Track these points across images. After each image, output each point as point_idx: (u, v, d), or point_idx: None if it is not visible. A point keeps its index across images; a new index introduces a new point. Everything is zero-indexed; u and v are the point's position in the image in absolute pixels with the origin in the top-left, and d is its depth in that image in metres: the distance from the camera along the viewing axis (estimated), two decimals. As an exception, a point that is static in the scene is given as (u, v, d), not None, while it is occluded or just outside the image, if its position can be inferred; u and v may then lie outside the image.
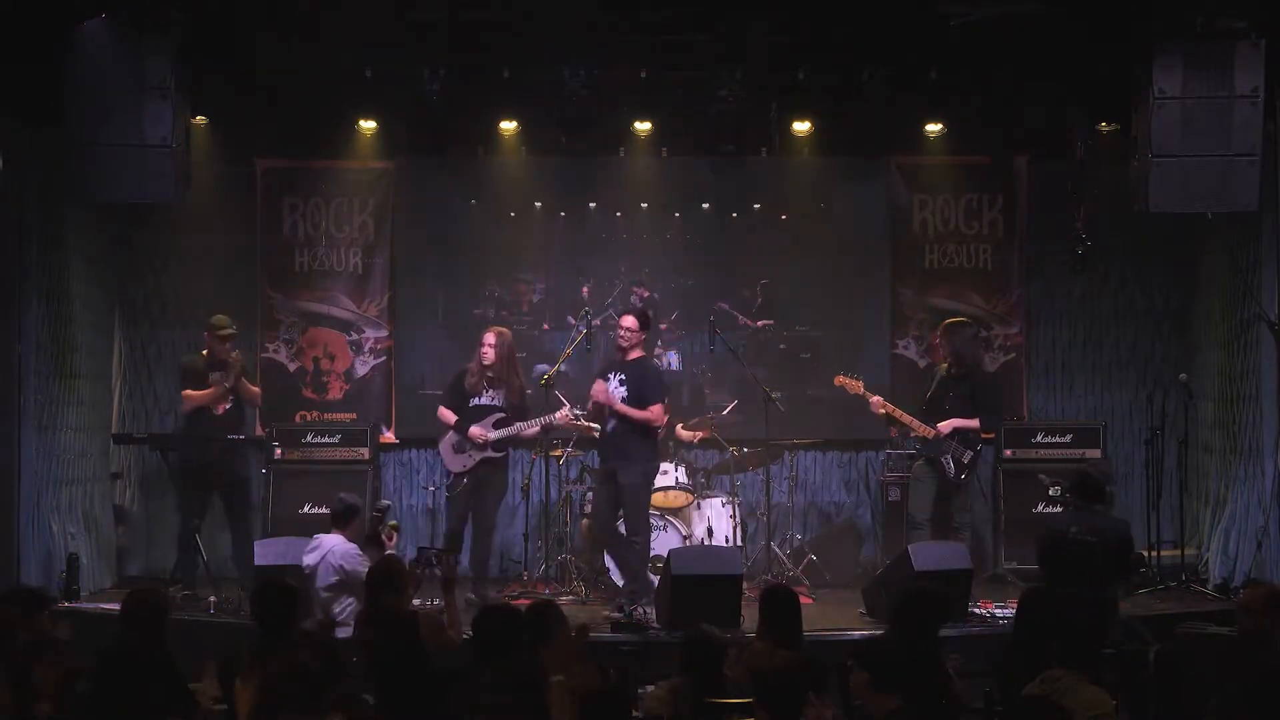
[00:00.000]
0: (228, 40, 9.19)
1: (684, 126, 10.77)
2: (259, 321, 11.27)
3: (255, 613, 6.12)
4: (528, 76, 9.84)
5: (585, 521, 10.02)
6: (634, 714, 5.67)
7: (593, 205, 11.39)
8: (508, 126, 10.74)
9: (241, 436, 10.08)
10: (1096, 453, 10.82)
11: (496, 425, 9.62)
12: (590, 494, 10.29)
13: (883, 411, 9.90)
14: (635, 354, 9.45)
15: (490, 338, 9.73)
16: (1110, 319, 11.33)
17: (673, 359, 11.39)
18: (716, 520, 10.04)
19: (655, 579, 9.18)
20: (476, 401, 9.70)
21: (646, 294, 11.29)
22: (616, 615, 8.72)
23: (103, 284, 10.64)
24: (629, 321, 9.43)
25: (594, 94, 9.93)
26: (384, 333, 11.41)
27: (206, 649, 6.35)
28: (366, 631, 6.42)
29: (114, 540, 10.49)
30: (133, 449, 10.72)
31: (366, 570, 7.30)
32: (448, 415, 9.76)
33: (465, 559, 9.89)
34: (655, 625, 8.60)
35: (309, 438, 10.94)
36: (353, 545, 7.95)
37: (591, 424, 9.69)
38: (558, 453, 10.15)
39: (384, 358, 11.40)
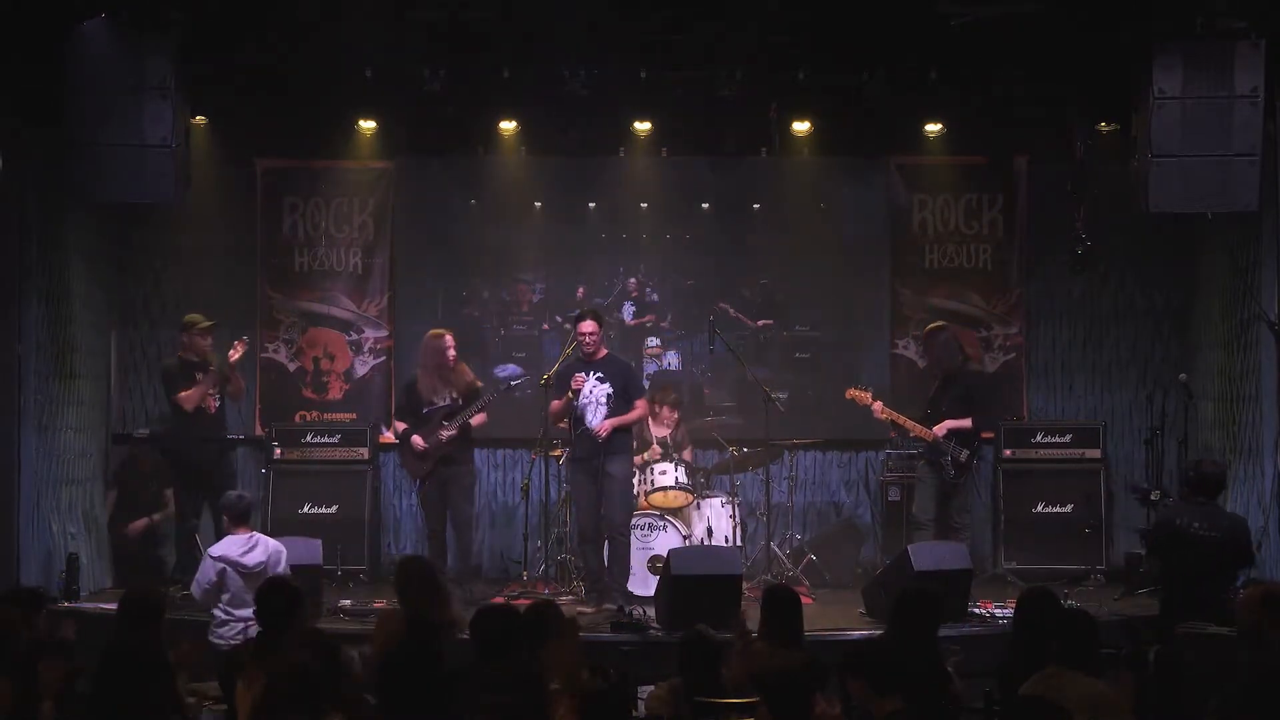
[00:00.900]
0: (228, 40, 9.18)
1: (684, 126, 10.77)
2: (259, 321, 11.27)
3: (257, 613, 6.12)
4: (528, 76, 9.84)
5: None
6: (634, 714, 5.68)
7: (593, 205, 11.39)
8: (508, 126, 10.74)
9: (241, 436, 10.06)
10: (1096, 453, 10.83)
11: (448, 418, 9.68)
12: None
13: (884, 417, 9.91)
14: (602, 351, 9.58)
15: (449, 339, 9.85)
16: (1110, 319, 11.33)
17: (673, 359, 11.39)
18: (716, 520, 10.04)
19: (654, 578, 9.20)
20: (430, 409, 9.77)
21: (634, 282, 11.30)
22: (610, 607, 8.72)
23: (102, 284, 10.64)
24: (589, 326, 9.49)
25: (594, 94, 9.93)
26: (384, 333, 11.42)
27: (206, 649, 6.36)
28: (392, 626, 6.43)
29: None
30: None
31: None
32: (399, 428, 9.93)
33: (451, 559, 9.95)
34: (655, 625, 8.59)
35: (309, 438, 10.95)
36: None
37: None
38: (557, 453, 10.14)
39: (384, 358, 11.40)
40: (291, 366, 11.34)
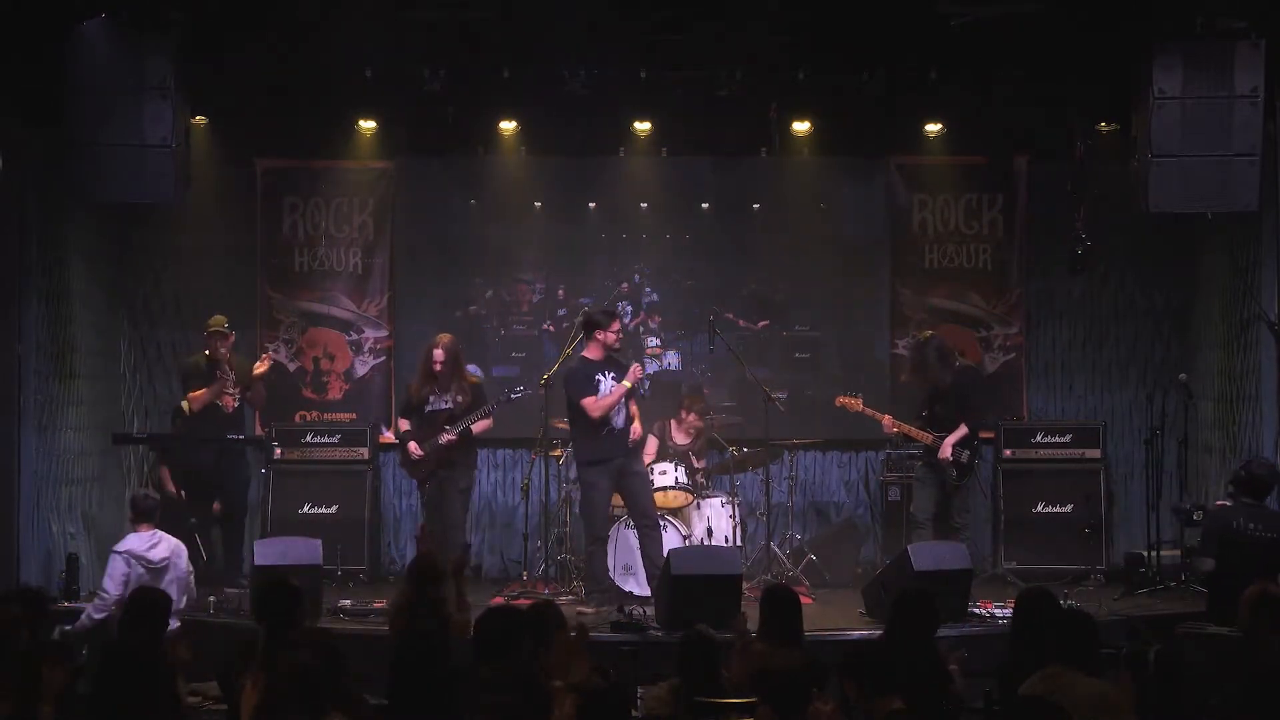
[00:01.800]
0: (228, 40, 9.18)
1: (684, 126, 10.77)
2: (259, 321, 11.27)
3: (260, 612, 6.11)
4: (528, 76, 9.84)
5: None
6: (634, 714, 5.68)
7: (593, 205, 11.39)
8: (508, 126, 10.74)
9: (241, 436, 10.05)
10: (1096, 453, 10.82)
11: (450, 421, 9.70)
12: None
13: (895, 430, 9.94)
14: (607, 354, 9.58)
15: (438, 352, 9.81)
16: (1110, 319, 11.33)
17: (673, 359, 11.39)
18: (716, 520, 10.04)
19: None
20: (432, 409, 9.79)
21: (626, 287, 11.30)
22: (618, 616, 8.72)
23: (103, 284, 10.64)
24: (617, 325, 9.52)
25: (594, 94, 9.93)
26: (384, 333, 11.42)
27: (206, 649, 6.36)
28: (406, 623, 6.45)
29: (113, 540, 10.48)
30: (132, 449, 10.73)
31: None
32: (401, 426, 9.95)
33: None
34: (655, 625, 8.59)
35: (309, 438, 10.95)
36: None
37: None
38: (557, 453, 10.15)
39: (384, 358, 11.40)
40: (291, 366, 11.33)
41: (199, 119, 9.77)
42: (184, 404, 10.02)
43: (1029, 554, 10.61)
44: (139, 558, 8.08)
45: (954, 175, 11.31)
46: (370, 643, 7.15)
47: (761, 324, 11.34)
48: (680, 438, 10.51)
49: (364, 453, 10.93)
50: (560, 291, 11.39)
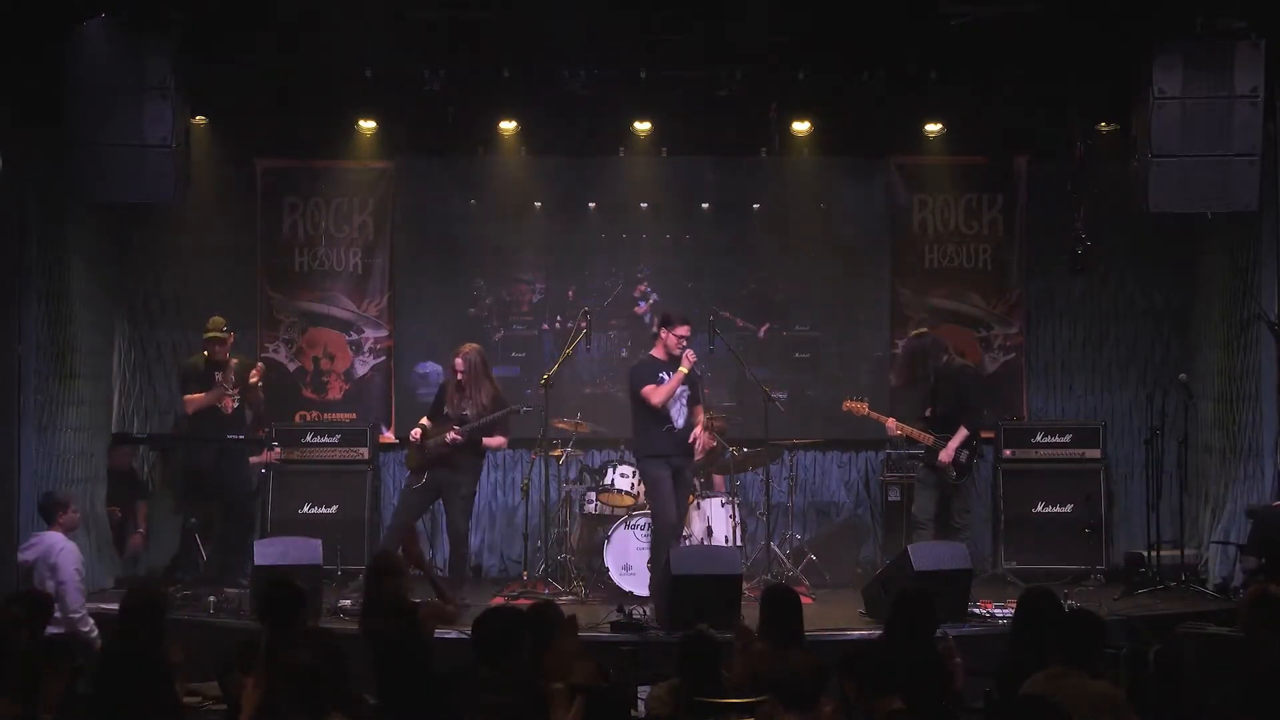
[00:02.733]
0: (228, 40, 9.18)
1: (684, 126, 10.77)
2: (259, 321, 11.27)
3: (263, 612, 6.10)
4: (528, 76, 9.84)
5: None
6: (634, 714, 5.68)
7: (593, 205, 11.39)
8: (508, 126, 10.75)
9: (241, 436, 10.05)
10: (1096, 453, 10.84)
11: (461, 423, 9.60)
12: (590, 494, 10.30)
13: (899, 433, 9.94)
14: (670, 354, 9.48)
15: (459, 362, 9.70)
16: (1110, 319, 11.33)
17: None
18: (716, 520, 10.04)
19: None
20: (453, 412, 9.73)
21: (645, 287, 11.29)
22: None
23: (103, 284, 10.63)
24: (686, 330, 9.42)
25: (594, 94, 9.94)
26: (384, 333, 11.42)
27: (206, 649, 6.36)
28: (370, 621, 6.45)
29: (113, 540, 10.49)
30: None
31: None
32: (424, 423, 9.84)
33: (443, 567, 9.99)
34: (655, 625, 8.60)
35: (309, 438, 10.96)
36: (72, 544, 8.27)
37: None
38: (557, 453, 10.15)
39: (384, 358, 11.40)
40: (291, 366, 11.34)
41: (199, 119, 9.77)
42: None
43: (1029, 554, 10.62)
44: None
45: (954, 175, 11.32)
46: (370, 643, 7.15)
47: (763, 326, 11.33)
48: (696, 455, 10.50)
49: (364, 453, 10.93)
50: (561, 292, 11.39)
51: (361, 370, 11.41)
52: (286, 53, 9.31)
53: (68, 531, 8.31)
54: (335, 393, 11.37)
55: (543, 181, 11.28)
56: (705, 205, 11.39)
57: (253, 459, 10.30)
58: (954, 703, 5.61)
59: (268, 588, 6.25)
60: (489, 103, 10.40)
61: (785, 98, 10.36)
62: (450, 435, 9.57)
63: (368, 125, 10.71)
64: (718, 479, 10.57)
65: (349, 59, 9.50)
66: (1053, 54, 9.37)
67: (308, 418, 11.26)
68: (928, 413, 9.94)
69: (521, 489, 10.35)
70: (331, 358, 11.39)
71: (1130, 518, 10.88)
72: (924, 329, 10.49)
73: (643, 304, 11.39)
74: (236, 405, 9.97)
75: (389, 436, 11.05)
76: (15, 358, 9.23)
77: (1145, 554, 10.03)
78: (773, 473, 10.64)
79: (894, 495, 10.78)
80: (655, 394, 9.32)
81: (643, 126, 10.71)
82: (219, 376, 9.87)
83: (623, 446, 11.00)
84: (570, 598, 9.49)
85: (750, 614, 6.67)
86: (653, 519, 9.51)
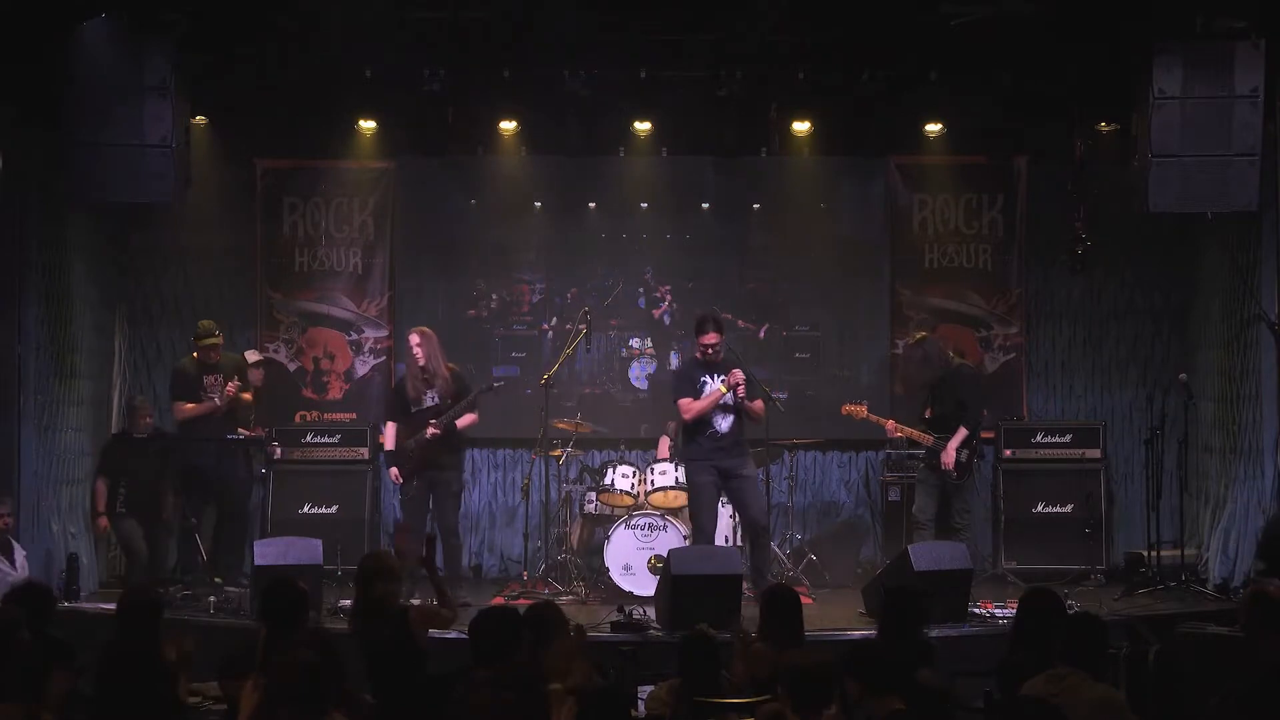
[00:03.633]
0: (228, 40, 9.19)
1: (684, 126, 10.77)
2: (259, 321, 11.27)
3: (266, 613, 6.09)
4: (528, 76, 9.85)
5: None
6: (634, 714, 5.68)
7: (593, 205, 11.39)
8: (508, 126, 10.74)
9: (240, 435, 10.04)
10: (1096, 453, 10.83)
11: (435, 417, 9.60)
12: (590, 494, 10.30)
13: (899, 434, 9.94)
14: (722, 356, 9.37)
15: (415, 338, 9.71)
16: (1110, 319, 11.33)
17: (673, 359, 11.39)
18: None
19: (654, 577, 9.20)
20: (418, 408, 9.72)
21: (667, 288, 11.31)
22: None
23: (103, 284, 10.64)
24: (711, 338, 9.24)
25: (594, 94, 9.94)
26: (384, 333, 11.42)
27: (206, 649, 6.35)
28: (358, 624, 6.44)
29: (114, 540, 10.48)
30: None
31: None
32: (391, 431, 9.79)
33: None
34: (655, 625, 8.60)
35: (309, 438, 10.95)
36: None
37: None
38: (557, 453, 10.15)
39: (384, 358, 11.40)
40: (291, 366, 11.33)
41: (199, 119, 9.77)
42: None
43: (1029, 554, 10.62)
44: None
45: (954, 175, 11.31)
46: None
47: (763, 327, 11.33)
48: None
49: (364, 453, 10.93)
50: (561, 292, 11.39)
51: (361, 370, 11.42)
52: (287, 53, 9.33)
53: None
54: (335, 393, 11.36)
55: (543, 181, 11.28)
56: (705, 205, 11.39)
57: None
58: (948, 702, 5.62)
59: (271, 588, 6.23)
60: (489, 103, 10.40)
61: (785, 98, 10.37)
62: (430, 431, 9.56)
63: (368, 125, 10.70)
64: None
65: (349, 59, 9.50)
66: (1053, 54, 9.37)
67: (308, 418, 11.26)
68: (927, 414, 9.94)
69: (521, 489, 10.35)
70: (331, 358, 11.39)
71: (1130, 518, 10.88)
72: (924, 333, 10.47)
73: (662, 307, 11.37)
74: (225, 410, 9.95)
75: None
76: (15, 358, 9.24)
77: (1145, 554, 10.04)
78: (773, 473, 10.61)
79: (894, 495, 10.78)
80: (689, 409, 9.27)
81: (643, 126, 10.70)
82: (209, 380, 9.86)
83: (623, 446, 11.04)
84: (570, 598, 9.49)
85: (751, 614, 6.67)
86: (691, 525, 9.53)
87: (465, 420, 9.73)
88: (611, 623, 8.57)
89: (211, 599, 9.14)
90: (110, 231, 10.74)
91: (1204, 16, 8.75)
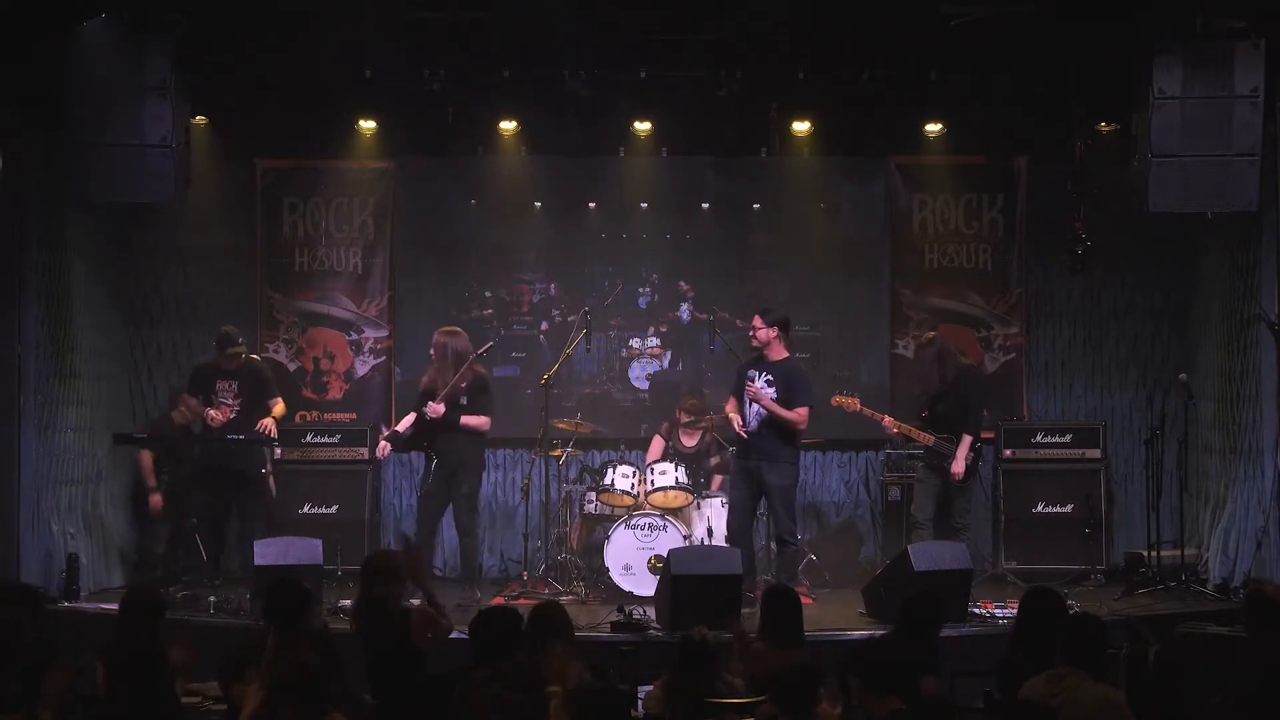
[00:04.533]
0: (228, 40, 9.18)
1: (684, 126, 10.77)
2: (259, 321, 11.27)
3: (270, 612, 6.08)
4: (528, 76, 9.85)
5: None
6: (634, 714, 5.68)
7: (593, 205, 11.39)
8: (508, 126, 10.74)
9: (241, 436, 10.02)
10: (1096, 453, 10.84)
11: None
12: (590, 494, 10.30)
13: (896, 431, 9.93)
14: (779, 354, 9.42)
15: (434, 338, 9.82)
16: (1110, 319, 11.33)
17: (671, 358, 11.40)
18: (716, 520, 10.03)
19: (654, 577, 9.20)
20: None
21: (688, 286, 11.34)
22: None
23: (103, 284, 10.64)
24: (754, 320, 9.45)
25: (594, 94, 9.94)
26: (384, 333, 11.42)
27: (206, 649, 6.36)
28: (359, 624, 6.44)
29: (115, 540, 10.48)
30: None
31: None
32: (409, 419, 9.80)
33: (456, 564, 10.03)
34: (655, 625, 8.60)
35: (309, 438, 10.95)
36: None
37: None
38: (557, 453, 10.15)
39: (384, 358, 11.40)
40: (291, 366, 11.33)
41: (199, 119, 9.77)
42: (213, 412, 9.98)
43: (1029, 554, 10.62)
44: None
45: (954, 175, 11.31)
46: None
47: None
48: (688, 440, 10.53)
49: (364, 453, 10.93)
50: (561, 292, 11.39)
51: (361, 370, 11.41)
52: (287, 53, 9.32)
53: None
54: (335, 393, 11.36)
55: (543, 181, 11.28)
56: (705, 205, 11.39)
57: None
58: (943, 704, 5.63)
59: (276, 588, 6.21)
60: (489, 103, 10.40)
61: (785, 98, 10.37)
62: (431, 408, 9.55)
63: (368, 125, 10.70)
64: (718, 479, 10.57)
65: (349, 59, 9.50)
66: (1053, 54, 9.37)
67: (308, 418, 11.26)
68: (925, 413, 9.94)
69: (521, 489, 10.35)
70: (331, 358, 11.39)
71: (1130, 518, 10.88)
72: (932, 332, 10.48)
73: (684, 307, 11.37)
74: (234, 415, 9.90)
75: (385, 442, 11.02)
76: (15, 358, 9.25)
77: (1145, 554, 10.04)
78: (773, 473, 10.62)
79: (894, 495, 10.78)
80: (727, 405, 9.56)
81: (643, 126, 10.70)
82: (222, 385, 9.85)
83: (622, 446, 11.03)
84: (570, 598, 9.49)
85: (749, 614, 6.67)
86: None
87: (472, 420, 9.69)
88: (611, 623, 8.58)
89: (211, 599, 9.14)
90: (110, 231, 10.73)
91: (1204, 16, 8.74)
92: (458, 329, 9.95)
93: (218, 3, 8.94)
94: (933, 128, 10.84)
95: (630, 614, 8.70)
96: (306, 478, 10.81)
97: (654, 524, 9.76)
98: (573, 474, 10.55)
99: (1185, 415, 10.14)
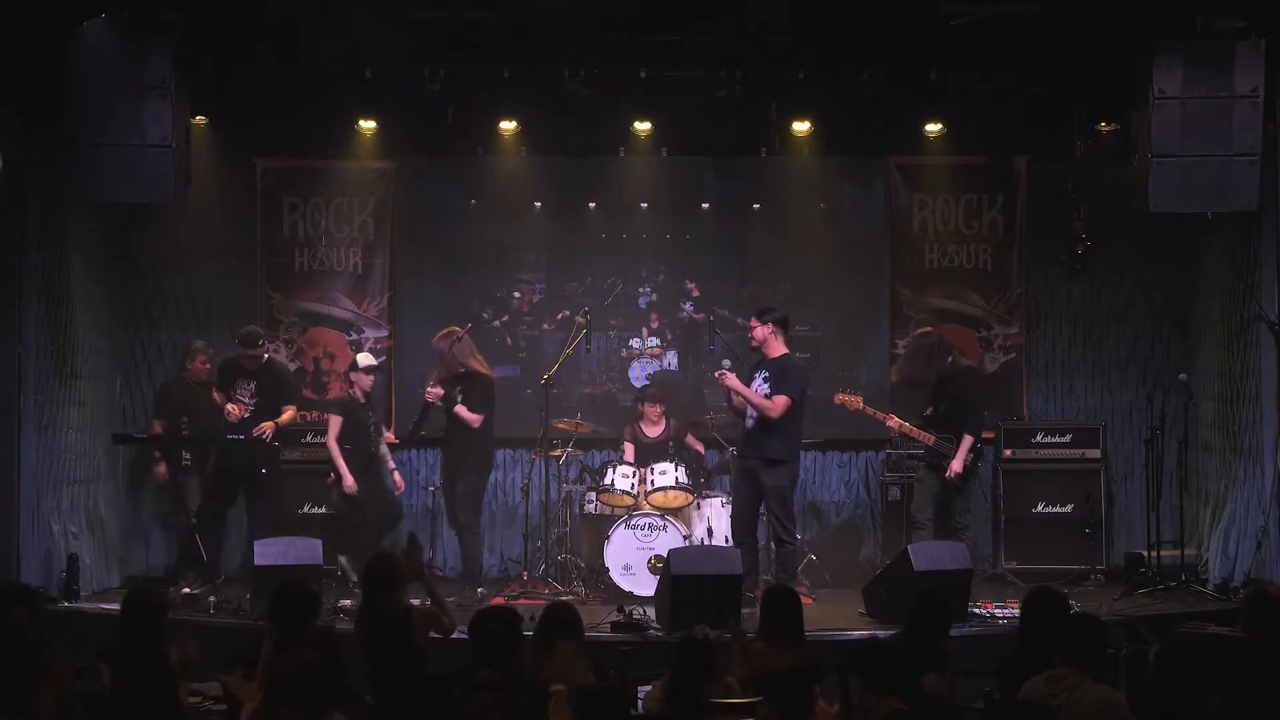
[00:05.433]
0: (228, 40, 9.19)
1: (684, 126, 10.76)
2: (259, 321, 11.25)
3: (274, 612, 6.07)
4: (528, 76, 9.85)
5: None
6: (634, 714, 5.68)
7: (593, 205, 11.39)
8: (508, 126, 10.73)
9: (241, 436, 10.02)
10: (1096, 453, 10.84)
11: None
12: (590, 494, 10.30)
13: (899, 431, 9.94)
14: (776, 351, 9.43)
15: (433, 343, 10.08)
16: (1110, 319, 11.33)
17: (673, 359, 11.41)
18: (716, 520, 10.04)
19: (654, 577, 9.20)
20: None
21: (692, 285, 11.34)
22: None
23: (103, 284, 10.64)
24: (752, 320, 9.52)
25: (594, 94, 9.94)
26: (384, 332, 11.41)
27: (206, 649, 6.36)
28: (363, 628, 6.44)
29: (115, 540, 10.48)
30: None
31: None
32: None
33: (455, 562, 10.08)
34: (655, 625, 8.60)
35: (309, 438, 10.93)
36: None
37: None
38: (557, 453, 10.16)
39: (384, 358, 11.39)
40: (292, 366, 11.32)
41: (199, 119, 9.77)
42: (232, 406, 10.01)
43: (1029, 554, 10.63)
44: None
45: (954, 175, 11.31)
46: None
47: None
48: (652, 430, 10.54)
49: (364, 453, 10.91)
50: (561, 292, 11.39)
51: (362, 370, 11.40)
52: (286, 53, 9.32)
53: None
54: (335, 393, 11.32)
55: (543, 181, 11.28)
56: (705, 205, 11.39)
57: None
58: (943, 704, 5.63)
59: (284, 590, 6.19)
60: (489, 103, 10.40)
61: (785, 98, 10.37)
62: (430, 390, 9.85)
63: (368, 125, 10.69)
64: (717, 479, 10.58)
65: (349, 59, 9.51)
66: (1053, 54, 9.38)
67: (308, 418, 11.25)
68: (928, 412, 9.95)
69: (521, 489, 10.35)
70: (332, 358, 11.39)
71: (1130, 518, 10.89)
72: (929, 329, 10.48)
73: (684, 306, 11.37)
74: (248, 414, 9.95)
75: (389, 437, 11.03)
76: (15, 358, 9.25)
77: (1145, 554, 10.04)
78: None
79: (894, 495, 10.78)
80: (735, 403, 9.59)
81: (643, 126, 10.70)
82: (240, 384, 9.92)
83: (622, 447, 11.01)
84: (570, 598, 9.48)
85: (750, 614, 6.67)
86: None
87: (464, 414, 9.85)
88: (611, 623, 8.58)
89: (211, 599, 9.14)
90: (110, 231, 10.73)
91: (1204, 16, 8.75)
92: (452, 329, 10.07)
93: (218, 3, 8.94)
94: (933, 128, 10.84)
95: (630, 614, 8.70)
96: (306, 478, 10.78)
97: (654, 524, 9.77)
98: (573, 474, 10.55)
99: (1185, 415, 10.14)
